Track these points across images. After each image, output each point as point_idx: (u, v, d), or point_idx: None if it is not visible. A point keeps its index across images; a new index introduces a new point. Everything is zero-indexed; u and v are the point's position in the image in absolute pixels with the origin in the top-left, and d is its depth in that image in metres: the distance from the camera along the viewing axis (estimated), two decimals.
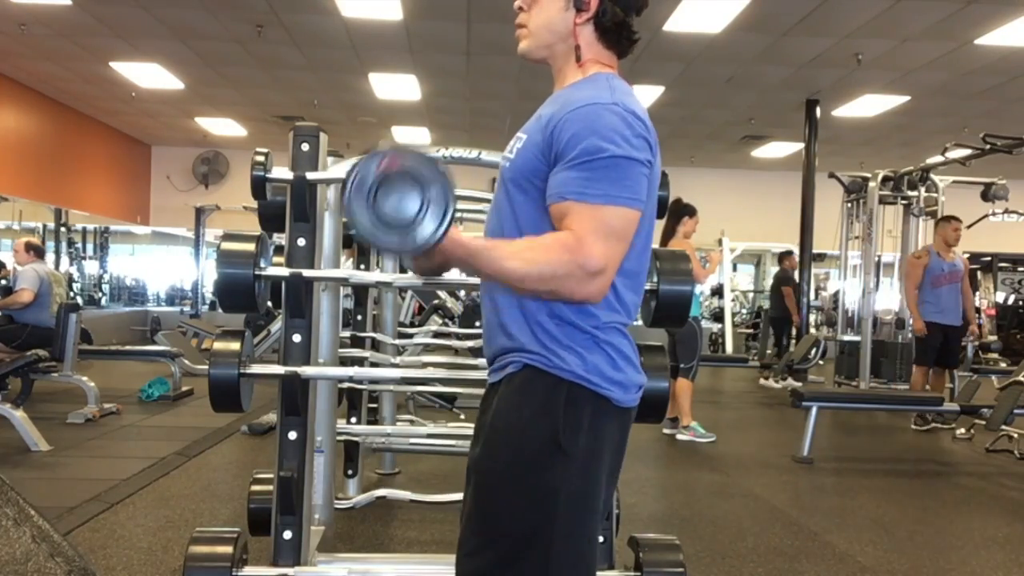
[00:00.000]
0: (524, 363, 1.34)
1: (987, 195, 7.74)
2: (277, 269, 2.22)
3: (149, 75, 9.21)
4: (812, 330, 10.07)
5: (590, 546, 1.36)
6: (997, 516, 4.09)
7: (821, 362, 9.24)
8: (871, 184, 7.83)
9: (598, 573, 2.22)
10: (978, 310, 11.67)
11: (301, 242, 2.29)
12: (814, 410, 5.22)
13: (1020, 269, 12.39)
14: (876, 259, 7.89)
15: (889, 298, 8.96)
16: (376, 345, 3.93)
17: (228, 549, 2.13)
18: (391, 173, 1.16)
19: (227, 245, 2.18)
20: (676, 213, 5.55)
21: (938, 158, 7.57)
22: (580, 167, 1.26)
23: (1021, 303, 12.26)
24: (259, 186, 2.30)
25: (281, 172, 2.29)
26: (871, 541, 3.55)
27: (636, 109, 1.32)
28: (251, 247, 2.15)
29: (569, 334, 1.33)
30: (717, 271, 5.92)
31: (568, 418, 1.31)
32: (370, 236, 1.17)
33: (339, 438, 3.34)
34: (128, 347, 8.66)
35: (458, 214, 3.54)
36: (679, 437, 5.66)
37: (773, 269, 15.29)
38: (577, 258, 1.22)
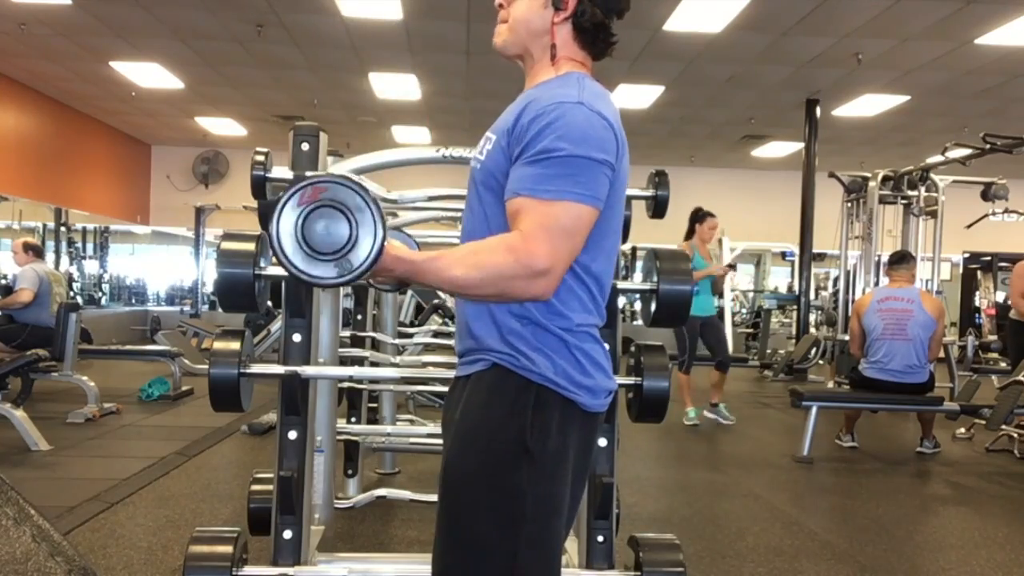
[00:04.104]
0: (493, 362, 1.33)
1: (987, 195, 7.73)
2: (277, 268, 2.22)
3: (149, 75, 9.21)
4: (812, 330, 10.06)
5: (556, 549, 1.36)
6: (997, 516, 4.09)
7: (821, 362, 9.24)
8: (871, 184, 7.82)
9: (598, 573, 2.24)
10: (978, 310, 11.67)
11: None
12: (814, 410, 5.21)
13: None
14: (876, 259, 7.89)
15: None
16: (376, 345, 3.93)
17: (228, 549, 2.12)
18: (313, 205, 1.15)
19: (227, 244, 2.18)
20: (691, 219, 6.29)
21: (938, 158, 7.56)
22: (536, 163, 1.25)
23: None
24: (259, 186, 2.30)
25: (281, 172, 2.29)
26: (871, 541, 3.55)
27: (603, 110, 1.30)
28: (251, 247, 2.14)
29: (539, 336, 1.31)
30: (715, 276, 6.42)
31: (536, 421, 1.30)
32: (304, 271, 1.16)
33: (339, 438, 3.34)
34: (128, 347, 8.65)
35: (446, 214, 3.54)
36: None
37: (774, 269, 15.34)
38: (522, 258, 1.20)
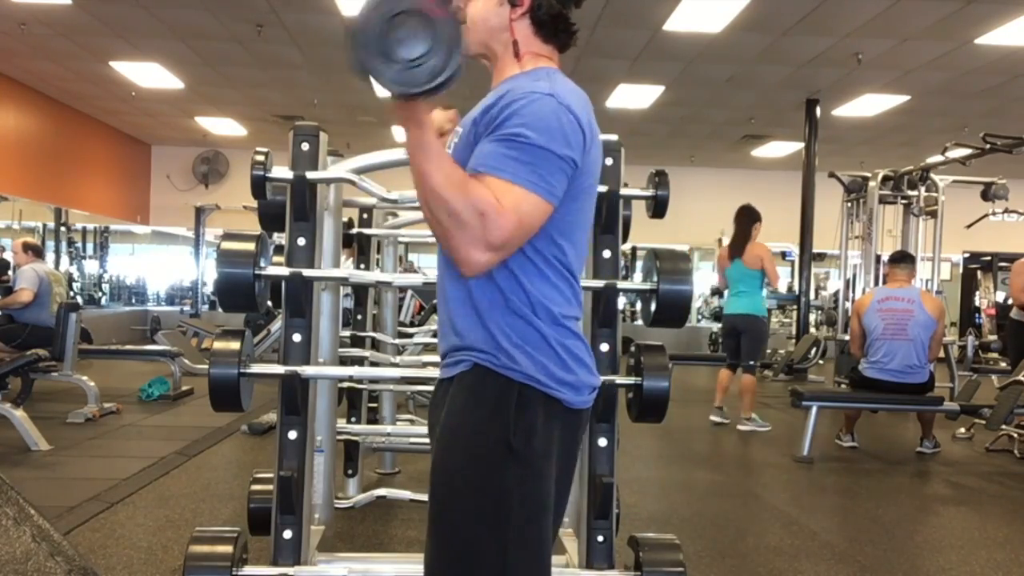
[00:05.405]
0: (475, 362, 1.33)
1: (987, 195, 7.74)
2: (277, 269, 2.22)
3: (149, 75, 9.21)
4: (812, 330, 10.06)
5: (545, 547, 1.36)
6: (997, 516, 4.09)
7: (821, 362, 9.24)
8: (871, 184, 7.82)
9: (598, 573, 2.24)
10: (978, 310, 11.67)
11: (301, 241, 2.29)
12: (814, 410, 5.21)
13: None
14: (876, 258, 7.89)
15: None
16: (376, 345, 3.93)
17: (228, 548, 2.13)
18: (415, 9, 1.10)
19: (227, 244, 2.18)
20: (751, 218, 6.10)
21: (938, 158, 7.57)
22: (500, 143, 1.24)
23: None
24: (259, 185, 2.30)
25: (281, 171, 2.29)
26: (871, 541, 3.55)
27: (572, 104, 1.30)
28: (251, 247, 2.15)
29: (521, 331, 1.31)
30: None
31: (520, 420, 1.30)
32: (369, 59, 1.10)
33: (339, 438, 3.34)
34: (128, 347, 8.66)
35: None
36: (741, 428, 6.11)
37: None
38: (488, 222, 1.18)
